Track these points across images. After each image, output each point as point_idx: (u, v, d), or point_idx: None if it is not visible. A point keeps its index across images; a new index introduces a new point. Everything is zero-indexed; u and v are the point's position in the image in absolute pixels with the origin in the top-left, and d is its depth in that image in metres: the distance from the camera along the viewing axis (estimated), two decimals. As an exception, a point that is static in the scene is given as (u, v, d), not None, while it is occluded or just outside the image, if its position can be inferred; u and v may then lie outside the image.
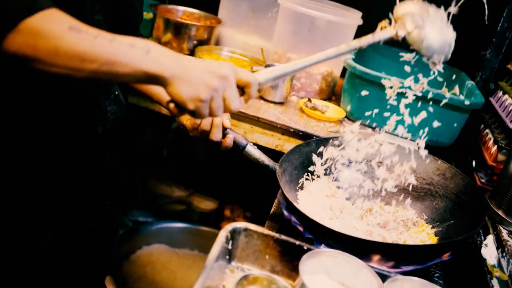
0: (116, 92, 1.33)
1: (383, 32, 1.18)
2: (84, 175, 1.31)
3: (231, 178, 2.61)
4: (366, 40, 1.18)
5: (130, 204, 2.63)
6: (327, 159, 1.41)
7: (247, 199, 2.63)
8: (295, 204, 1.22)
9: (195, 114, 1.01)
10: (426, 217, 1.40)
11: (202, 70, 1.00)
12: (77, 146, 1.24)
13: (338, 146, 1.43)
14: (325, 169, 1.42)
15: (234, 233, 1.14)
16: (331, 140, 1.45)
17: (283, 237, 1.15)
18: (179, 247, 2.51)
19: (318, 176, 1.43)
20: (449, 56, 1.20)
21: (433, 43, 1.16)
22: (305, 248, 1.13)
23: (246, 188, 2.55)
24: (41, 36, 0.87)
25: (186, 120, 1.35)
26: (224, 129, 1.30)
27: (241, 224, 1.15)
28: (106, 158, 1.38)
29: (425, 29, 1.14)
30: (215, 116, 1.07)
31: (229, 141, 1.31)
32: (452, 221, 1.34)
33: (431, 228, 1.36)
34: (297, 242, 1.14)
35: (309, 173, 1.42)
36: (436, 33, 1.15)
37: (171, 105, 1.02)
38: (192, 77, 0.98)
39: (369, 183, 1.41)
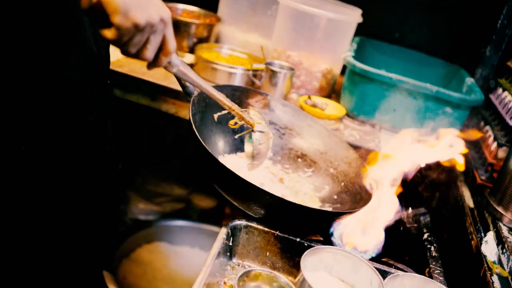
0: (108, 82, 1.33)
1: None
2: (82, 168, 1.31)
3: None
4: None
5: (130, 202, 2.63)
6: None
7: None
8: (197, 134, 1.14)
9: (115, 33, 0.86)
10: (320, 195, 1.42)
11: None
12: (71, 137, 1.21)
13: (265, 105, 1.49)
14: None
15: (234, 230, 1.15)
16: (258, 95, 1.48)
17: (283, 234, 1.15)
18: (179, 245, 2.50)
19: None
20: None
21: None
22: (306, 245, 1.14)
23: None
24: None
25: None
26: None
27: (241, 221, 1.15)
28: (105, 150, 1.38)
29: None
30: (138, 56, 0.92)
31: None
32: (339, 205, 1.37)
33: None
34: (298, 239, 1.15)
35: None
36: None
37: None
38: None
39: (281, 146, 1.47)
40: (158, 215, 2.62)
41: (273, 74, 1.91)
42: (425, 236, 1.46)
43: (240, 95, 1.42)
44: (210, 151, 1.13)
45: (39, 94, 1.11)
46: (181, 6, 2.30)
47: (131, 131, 2.42)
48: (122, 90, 1.88)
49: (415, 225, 1.54)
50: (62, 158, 1.24)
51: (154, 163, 2.69)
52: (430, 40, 2.39)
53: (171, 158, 2.71)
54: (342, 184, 1.42)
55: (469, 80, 2.04)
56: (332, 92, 2.17)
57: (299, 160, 1.50)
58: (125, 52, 0.90)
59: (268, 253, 1.16)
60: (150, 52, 0.90)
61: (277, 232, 1.15)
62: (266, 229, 1.15)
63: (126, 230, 2.45)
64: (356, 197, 1.34)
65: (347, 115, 1.97)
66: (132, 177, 2.65)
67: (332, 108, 1.95)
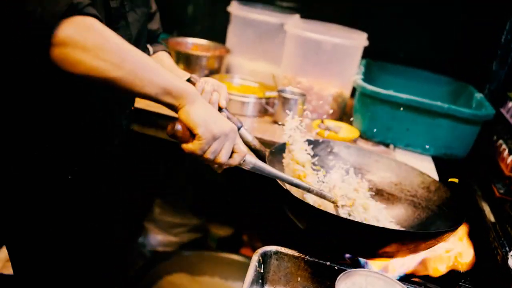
0: (132, 108, 1.45)
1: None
2: (101, 197, 1.39)
3: (246, 203, 2.62)
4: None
5: (148, 234, 2.64)
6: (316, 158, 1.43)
7: (263, 222, 2.64)
8: (280, 183, 1.20)
9: (198, 144, 1.03)
10: (406, 225, 1.37)
11: (219, 115, 1.07)
12: (98, 157, 1.33)
13: (330, 151, 1.49)
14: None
15: (265, 257, 1.16)
16: (321, 144, 1.49)
17: (313, 258, 1.17)
18: (199, 275, 2.51)
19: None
20: None
21: None
22: (336, 268, 1.15)
23: (262, 212, 2.57)
24: (92, 29, 0.93)
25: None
26: (220, 109, 1.31)
27: (271, 248, 1.17)
28: (124, 177, 1.45)
29: None
30: (213, 161, 1.07)
31: None
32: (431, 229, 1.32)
33: None
34: (328, 263, 1.16)
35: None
36: None
37: (178, 126, 1.03)
38: (210, 112, 1.05)
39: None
40: (176, 246, 2.64)
41: (285, 100, 1.95)
42: (450, 253, 1.46)
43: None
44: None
45: (74, 119, 1.22)
46: (191, 40, 2.37)
47: (147, 164, 2.46)
48: (139, 125, 1.91)
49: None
50: (87, 184, 1.31)
51: (170, 194, 2.71)
52: (435, 58, 2.43)
53: (187, 188, 2.73)
54: (428, 209, 1.37)
55: (478, 95, 2.07)
56: (343, 114, 2.21)
57: (376, 196, 1.44)
58: (204, 159, 1.06)
59: (299, 279, 1.17)
60: (224, 156, 1.07)
61: (307, 257, 1.16)
62: (296, 254, 1.16)
63: (146, 263, 2.46)
64: (448, 218, 1.30)
65: (361, 136, 2.00)
66: (149, 209, 2.67)
67: (345, 130, 1.99)
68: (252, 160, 1.14)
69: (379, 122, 1.95)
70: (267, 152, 1.34)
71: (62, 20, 0.90)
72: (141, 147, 2.08)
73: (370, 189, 1.40)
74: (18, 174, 1.24)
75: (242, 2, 2.38)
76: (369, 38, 2.15)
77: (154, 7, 1.52)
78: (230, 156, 1.10)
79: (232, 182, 2.50)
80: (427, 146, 1.95)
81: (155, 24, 1.53)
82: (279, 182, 1.20)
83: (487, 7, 2.26)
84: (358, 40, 2.12)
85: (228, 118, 1.32)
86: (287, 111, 1.92)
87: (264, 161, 1.29)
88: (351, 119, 2.07)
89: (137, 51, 0.98)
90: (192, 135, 1.04)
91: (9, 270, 2.38)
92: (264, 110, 2.03)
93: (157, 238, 2.68)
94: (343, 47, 2.08)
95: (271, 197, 1.32)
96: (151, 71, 0.98)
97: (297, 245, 1.20)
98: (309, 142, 1.39)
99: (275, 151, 1.37)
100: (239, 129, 1.34)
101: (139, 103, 1.91)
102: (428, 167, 1.84)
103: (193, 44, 2.36)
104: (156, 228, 2.70)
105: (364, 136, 2.00)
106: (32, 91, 1.17)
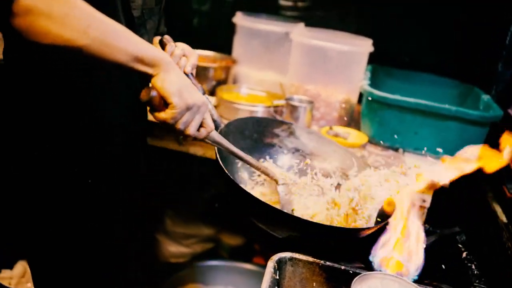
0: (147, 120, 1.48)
1: None
2: (115, 209, 1.42)
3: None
4: None
5: (160, 246, 2.65)
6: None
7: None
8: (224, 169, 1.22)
9: (170, 113, 1.03)
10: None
11: (193, 86, 1.08)
12: (98, 156, 1.34)
13: (290, 133, 1.54)
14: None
15: (280, 263, 1.17)
16: (283, 125, 1.54)
17: (328, 263, 1.17)
18: (213, 285, 2.51)
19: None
20: None
21: None
22: (351, 272, 1.16)
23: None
24: None
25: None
26: (186, 75, 1.31)
27: (286, 254, 1.18)
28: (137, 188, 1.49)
29: None
30: (183, 132, 1.08)
31: None
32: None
33: None
34: (342, 267, 1.17)
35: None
36: None
37: (153, 93, 1.03)
38: (184, 83, 1.05)
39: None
40: (189, 257, 2.64)
41: (293, 108, 1.97)
42: (464, 255, 1.47)
43: (265, 125, 1.48)
44: (243, 188, 1.19)
45: (72, 118, 1.25)
46: (197, 51, 2.38)
47: (158, 175, 2.47)
48: (150, 137, 1.93)
49: (452, 244, 1.55)
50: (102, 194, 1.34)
51: (181, 205, 2.72)
52: (440, 61, 2.44)
53: (197, 199, 2.75)
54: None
55: (485, 97, 2.08)
56: (351, 120, 2.22)
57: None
58: (173, 129, 1.07)
59: (314, 284, 1.18)
60: (193, 128, 1.09)
61: (322, 262, 1.17)
62: (310, 259, 1.17)
63: (159, 275, 2.47)
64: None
65: (369, 141, 2.01)
66: (161, 220, 2.69)
67: (354, 136, 2.00)
68: (215, 137, 1.18)
69: (387, 126, 1.97)
70: (223, 124, 1.36)
71: None
72: (151, 159, 2.10)
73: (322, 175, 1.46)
74: (20, 176, 1.26)
75: (247, 12, 2.41)
76: (373, 44, 2.17)
77: (162, 12, 1.54)
78: (198, 130, 1.12)
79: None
80: (439, 150, 1.95)
81: (162, 27, 1.55)
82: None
83: (491, 8, 2.27)
84: (363, 46, 2.14)
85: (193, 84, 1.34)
86: (296, 119, 1.96)
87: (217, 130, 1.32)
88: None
89: (106, 17, 0.96)
90: (165, 104, 1.04)
91: (24, 287, 2.40)
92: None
93: (170, 250, 2.69)
94: (349, 54, 2.10)
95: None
96: (120, 38, 0.97)
97: (309, 252, 1.21)
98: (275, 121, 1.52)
99: (232, 125, 1.41)
100: None
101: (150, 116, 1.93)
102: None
103: (200, 55, 2.38)
104: (168, 239, 2.71)
105: (373, 141, 2.01)
106: (32, 90, 1.19)
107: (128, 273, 1.58)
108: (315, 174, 1.46)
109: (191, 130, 1.08)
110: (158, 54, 1.02)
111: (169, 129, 1.07)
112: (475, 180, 1.56)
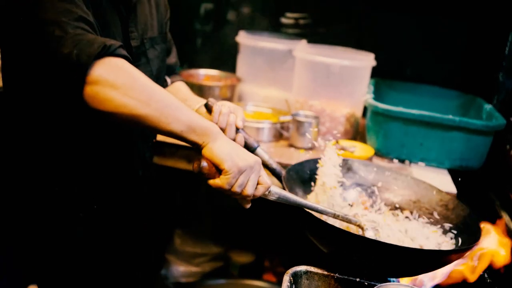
0: (154, 140, 1.52)
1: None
2: (124, 228, 1.44)
3: (266, 228, 2.64)
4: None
5: (170, 266, 2.66)
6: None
7: (285, 247, 2.65)
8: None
9: (225, 179, 1.06)
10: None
11: (242, 149, 1.11)
12: (123, 186, 1.39)
13: (348, 169, 1.52)
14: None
15: (295, 277, 1.18)
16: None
17: (343, 276, 1.19)
18: (224, 303, 2.51)
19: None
20: None
21: None
22: (366, 284, 1.17)
23: (283, 236, 2.58)
24: (122, 69, 0.99)
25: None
26: (237, 129, 1.36)
27: (301, 267, 1.19)
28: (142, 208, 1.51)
29: None
30: (241, 194, 1.09)
31: (239, 139, 1.35)
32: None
33: None
34: (357, 279, 1.18)
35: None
36: None
37: (203, 163, 1.06)
38: (234, 147, 1.08)
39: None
40: (199, 275, 2.64)
41: (299, 124, 1.99)
42: (475, 263, 1.47)
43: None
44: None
45: (98, 152, 1.29)
46: (202, 71, 2.44)
47: (166, 194, 2.49)
48: (157, 156, 1.96)
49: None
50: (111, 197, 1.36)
51: (189, 224, 2.73)
52: (442, 73, 2.48)
53: (206, 217, 2.76)
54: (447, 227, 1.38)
55: (488, 107, 2.11)
56: (357, 134, 2.25)
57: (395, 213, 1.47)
58: (231, 193, 1.09)
59: (330, 297, 1.19)
60: (250, 189, 1.09)
61: (336, 274, 1.18)
62: (325, 272, 1.18)
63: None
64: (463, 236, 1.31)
65: (376, 154, 2.03)
66: (170, 240, 2.69)
67: (361, 149, 2.02)
68: (277, 191, 1.16)
69: (392, 139, 1.99)
70: (283, 171, 1.37)
71: (96, 61, 0.95)
72: (159, 178, 2.12)
73: (390, 208, 1.43)
74: (28, 203, 1.28)
75: (250, 31, 2.46)
76: (375, 58, 2.20)
77: (171, 42, 1.58)
78: (255, 188, 1.12)
79: (250, 208, 2.52)
80: (444, 162, 1.97)
81: (173, 58, 1.59)
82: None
83: (489, 20, 2.32)
84: (366, 60, 2.17)
85: (245, 138, 1.37)
86: (302, 134, 1.98)
87: (280, 179, 1.33)
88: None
89: (163, 90, 1.03)
90: (218, 171, 1.07)
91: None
92: (279, 134, 2.08)
93: (179, 269, 2.69)
94: (352, 69, 2.13)
95: (291, 221, 1.34)
96: (176, 109, 1.03)
97: (322, 266, 1.21)
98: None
99: (291, 171, 1.40)
100: (255, 149, 1.38)
101: (159, 136, 1.96)
102: (445, 180, 1.86)
103: (205, 75, 2.43)
104: (178, 259, 2.71)
105: (379, 153, 2.03)
106: (58, 127, 1.22)
107: None
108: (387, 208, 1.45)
109: (249, 191, 1.09)
110: (208, 125, 1.07)
111: (227, 194, 1.09)
112: (482, 189, 1.58)
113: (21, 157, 1.27)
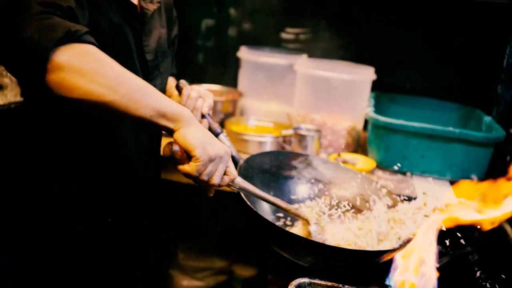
0: (159, 155, 1.50)
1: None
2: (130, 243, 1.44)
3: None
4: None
5: (173, 280, 2.66)
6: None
7: (288, 260, 2.65)
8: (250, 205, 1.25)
9: (194, 166, 1.06)
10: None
11: (214, 138, 1.12)
12: (123, 186, 1.38)
13: (307, 164, 1.58)
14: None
15: (300, 289, 1.19)
16: (300, 157, 1.59)
17: (346, 286, 1.20)
18: (228, 318, 2.51)
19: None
20: None
21: None
22: (370, 294, 1.18)
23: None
24: (88, 54, 0.95)
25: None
26: (202, 115, 1.39)
27: (305, 279, 1.20)
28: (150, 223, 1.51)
29: None
30: (207, 182, 1.11)
31: (204, 124, 1.36)
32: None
33: None
34: (361, 290, 1.19)
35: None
36: None
37: (175, 147, 1.07)
38: (206, 135, 1.09)
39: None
40: (202, 290, 2.64)
41: (301, 138, 2.02)
42: (478, 274, 1.48)
43: (283, 159, 1.53)
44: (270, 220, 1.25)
45: (104, 167, 1.30)
46: (203, 86, 2.46)
47: (168, 208, 2.50)
48: (163, 171, 1.97)
49: (465, 264, 1.57)
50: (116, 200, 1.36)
51: (193, 238, 2.74)
52: (441, 85, 2.51)
53: (209, 231, 2.76)
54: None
55: (487, 119, 2.13)
56: (358, 147, 2.27)
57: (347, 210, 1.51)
58: (198, 180, 1.09)
59: (334, 308, 1.20)
60: (217, 178, 1.11)
61: (340, 285, 1.19)
62: (329, 283, 1.19)
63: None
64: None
65: (377, 167, 2.05)
66: (173, 254, 2.70)
67: (362, 162, 2.04)
68: (240, 182, 1.20)
69: (394, 151, 2.01)
70: (241, 160, 1.41)
71: (59, 46, 0.92)
72: (161, 192, 2.13)
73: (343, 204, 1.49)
74: (40, 209, 1.28)
75: (251, 46, 2.49)
76: (375, 71, 2.23)
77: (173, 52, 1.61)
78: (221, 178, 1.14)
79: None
80: (446, 173, 1.98)
81: (173, 68, 1.61)
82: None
83: (487, 33, 2.35)
84: (366, 74, 2.20)
85: (209, 123, 1.39)
86: (304, 147, 2.00)
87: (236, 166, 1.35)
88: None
89: (132, 74, 1.01)
90: (189, 157, 1.07)
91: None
92: (282, 148, 2.10)
93: (182, 284, 2.69)
94: (352, 83, 2.16)
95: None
96: (145, 94, 1.00)
97: (326, 278, 1.23)
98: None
99: (249, 161, 1.44)
100: (218, 135, 1.41)
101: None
102: (447, 192, 1.88)
103: (206, 90, 2.45)
104: (181, 273, 2.71)
105: (380, 166, 2.04)
106: (57, 127, 1.23)
107: None
108: (339, 203, 1.50)
109: (216, 180, 1.10)
110: (180, 110, 1.06)
111: (194, 181, 1.10)
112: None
113: (21, 157, 1.28)
